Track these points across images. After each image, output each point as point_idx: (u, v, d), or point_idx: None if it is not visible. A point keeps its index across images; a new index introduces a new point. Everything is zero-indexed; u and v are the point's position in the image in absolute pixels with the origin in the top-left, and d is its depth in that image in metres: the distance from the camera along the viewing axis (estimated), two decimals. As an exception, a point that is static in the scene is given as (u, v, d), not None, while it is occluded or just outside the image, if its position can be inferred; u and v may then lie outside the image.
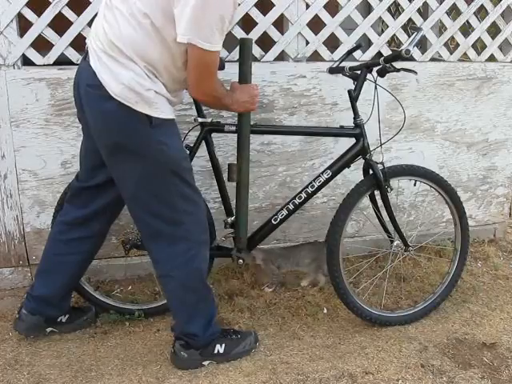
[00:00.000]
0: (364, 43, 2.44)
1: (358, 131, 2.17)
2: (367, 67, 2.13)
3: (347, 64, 2.23)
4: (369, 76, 2.15)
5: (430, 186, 2.33)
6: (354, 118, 2.17)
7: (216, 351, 2.03)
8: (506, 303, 2.51)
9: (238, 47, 2.39)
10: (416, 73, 2.08)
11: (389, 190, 2.20)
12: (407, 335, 2.25)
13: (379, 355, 2.11)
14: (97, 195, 1.99)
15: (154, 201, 1.82)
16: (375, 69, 2.12)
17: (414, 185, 2.30)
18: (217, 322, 2.08)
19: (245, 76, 1.99)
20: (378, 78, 2.12)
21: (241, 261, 2.21)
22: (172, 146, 1.80)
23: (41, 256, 2.44)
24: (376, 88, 2.15)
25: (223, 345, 2.04)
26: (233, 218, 2.22)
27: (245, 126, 2.05)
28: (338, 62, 2.32)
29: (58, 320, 2.17)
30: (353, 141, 2.20)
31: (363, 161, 2.21)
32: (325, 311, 2.41)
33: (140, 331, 2.24)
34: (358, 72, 2.16)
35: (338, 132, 2.27)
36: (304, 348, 2.15)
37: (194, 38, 1.60)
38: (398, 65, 2.05)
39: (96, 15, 2.20)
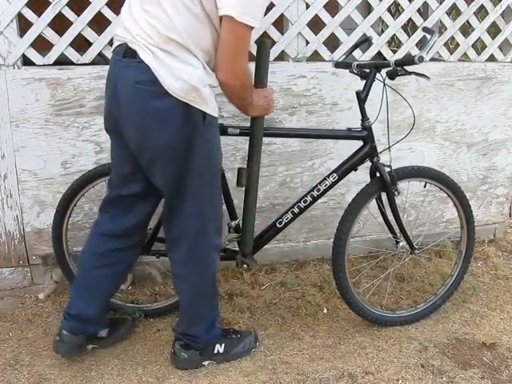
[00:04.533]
0: (367, 41, 2.40)
1: (365, 134, 2.13)
2: (376, 67, 2.09)
3: (354, 61, 2.18)
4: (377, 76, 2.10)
5: (440, 189, 2.31)
6: (362, 120, 2.12)
7: (216, 351, 2.03)
8: (505, 303, 2.51)
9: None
10: (429, 78, 2.01)
11: (396, 193, 2.17)
12: (407, 335, 2.25)
13: (379, 355, 2.11)
14: (134, 204, 1.90)
15: (189, 204, 1.80)
16: (384, 70, 2.07)
17: (424, 186, 2.30)
18: (218, 324, 2.08)
19: (261, 79, 1.92)
20: (387, 80, 2.07)
21: (245, 266, 2.16)
22: (216, 145, 1.80)
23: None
24: (384, 87, 2.09)
25: (223, 345, 2.04)
26: (236, 222, 2.18)
27: (258, 130, 1.99)
28: (344, 56, 2.29)
29: (99, 336, 2.07)
30: (356, 142, 2.17)
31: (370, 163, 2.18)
32: (325, 311, 2.41)
33: (140, 331, 2.24)
34: (367, 70, 2.11)
35: (346, 135, 2.20)
36: (304, 348, 2.15)
37: (237, 11, 1.56)
38: (409, 68, 1.98)
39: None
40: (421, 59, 1.85)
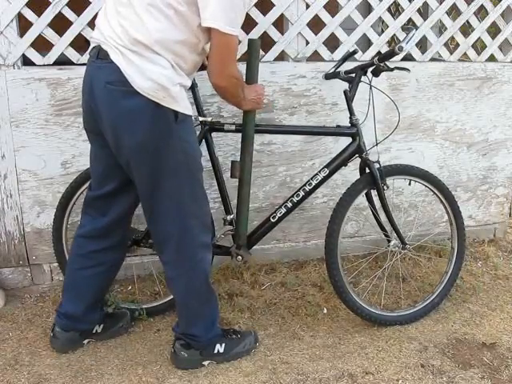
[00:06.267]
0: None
1: (353, 130, 2.20)
2: (362, 69, 2.17)
3: (342, 68, 2.27)
4: (365, 79, 2.18)
5: (425, 186, 2.34)
6: (350, 118, 2.20)
7: (216, 351, 2.03)
8: (506, 303, 2.51)
9: (237, 47, 2.42)
10: (409, 70, 2.12)
11: (385, 188, 2.22)
12: (407, 335, 2.25)
13: (379, 355, 2.11)
14: (110, 204, 1.94)
15: (167, 203, 1.81)
16: (370, 70, 2.15)
17: (409, 184, 2.33)
18: (218, 324, 2.08)
19: (252, 76, 2.01)
20: (374, 78, 2.15)
21: (240, 257, 2.21)
22: (192, 143, 1.81)
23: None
24: (371, 89, 2.17)
25: (223, 344, 2.04)
26: (232, 216, 2.23)
27: (250, 123, 2.06)
28: (333, 68, 2.36)
29: (94, 331, 2.13)
30: (350, 140, 2.22)
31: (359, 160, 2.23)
32: (325, 311, 2.41)
33: (140, 331, 2.24)
34: (353, 75, 2.19)
35: (335, 131, 2.30)
36: (304, 348, 2.15)
37: (221, 23, 1.62)
38: (391, 64, 2.09)
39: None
40: (400, 49, 1.93)
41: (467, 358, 2.11)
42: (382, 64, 2.06)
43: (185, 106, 1.74)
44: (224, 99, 1.89)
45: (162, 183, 1.78)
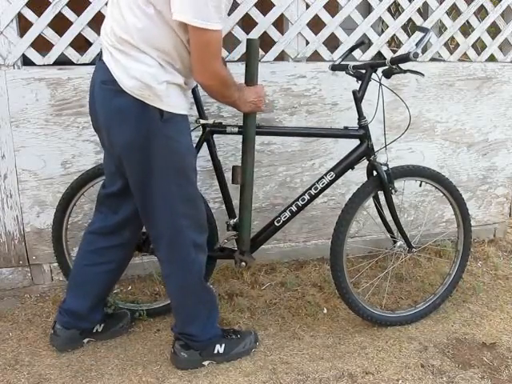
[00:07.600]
0: (362, 44, 2.43)
1: (362, 132, 2.14)
2: (372, 67, 2.10)
3: (350, 62, 2.20)
4: (374, 77, 2.12)
5: (435, 187, 2.32)
6: (359, 119, 2.13)
7: (216, 351, 2.03)
8: (505, 303, 2.51)
9: (237, 47, 2.42)
10: (423, 75, 2.04)
11: (393, 191, 2.18)
12: (407, 335, 2.25)
13: (379, 355, 2.11)
14: (122, 201, 1.94)
15: (158, 203, 1.81)
16: (380, 69, 2.09)
17: (420, 185, 2.30)
18: (218, 324, 2.08)
19: (251, 76, 1.95)
20: (383, 78, 2.09)
21: (243, 263, 2.17)
22: (184, 143, 1.80)
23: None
24: (381, 87, 2.11)
25: (223, 345, 2.04)
26: (235, 220, 2.19)
27: (250, 127, 2.01)
28: (340, 59, 2.30)
29: (94, 330, 2.13)
30: (355, 141, 2.18)
31: (367, 162, 2.19)
32: (325, 311, 2.41)
33: (140, 331, 2.24)
34: (363, 71, 2.12)
35: (343, 133, 2.22)
36: (304, 348, 2.15)
37: (189, 16, 1.57)
38: (404, 66, 2.01)
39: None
40: (416, 55, 1.86)
41: (467, 358, 2.11)
42: (394, 66, 1.99)
43: (171, 104, 1.71)
44: (216, 100, 1.87)
45: (151, 183, 1.78)
